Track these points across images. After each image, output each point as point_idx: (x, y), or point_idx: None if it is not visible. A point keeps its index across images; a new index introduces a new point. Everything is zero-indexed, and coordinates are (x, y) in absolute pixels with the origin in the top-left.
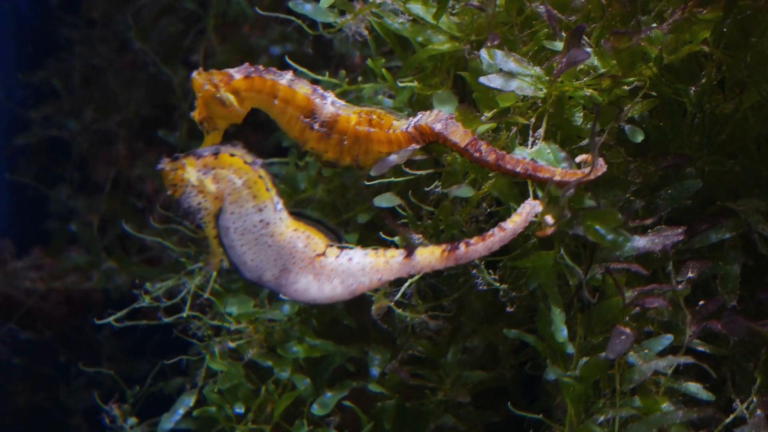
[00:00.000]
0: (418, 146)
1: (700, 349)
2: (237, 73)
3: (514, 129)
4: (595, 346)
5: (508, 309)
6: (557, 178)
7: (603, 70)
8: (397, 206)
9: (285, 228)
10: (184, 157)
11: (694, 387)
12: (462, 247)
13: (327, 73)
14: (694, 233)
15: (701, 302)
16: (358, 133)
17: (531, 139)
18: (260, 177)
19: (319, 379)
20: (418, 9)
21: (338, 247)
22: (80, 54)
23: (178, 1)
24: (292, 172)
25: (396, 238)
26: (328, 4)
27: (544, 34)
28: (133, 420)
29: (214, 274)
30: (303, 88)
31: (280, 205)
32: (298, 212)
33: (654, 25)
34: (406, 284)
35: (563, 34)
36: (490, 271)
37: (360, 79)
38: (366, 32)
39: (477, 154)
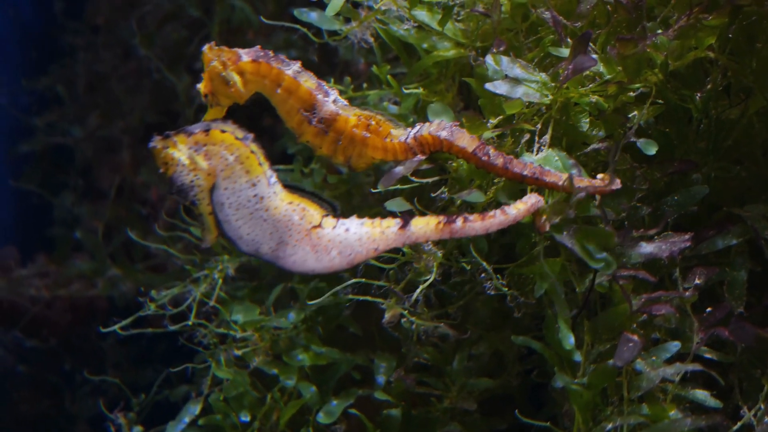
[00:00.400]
0: (423, 157)
1: (708, 356)
2: (246, 55)
3: (526, 137)
4: (603, 353)
5: (516, 315)
6: (565, 183)
7: (608, 77)
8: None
9: (279, 201)
10: (175, 135)
11: (701, 394)
12: (459, 221)
13: (332, 80)
14: (700, 239)
15: (708, 309)
16: (354, 136)
17: (537, 146)
18: (252, 152)
19: (325, 387)
20: (423, 15)
21: (334, 217)
22: (84, 60)
23: (182, 8)
24: (297, 178)
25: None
26: (333, 12)
27: (550, 40)
28: (138, 428)
29: (220, 281)
30: (308, 82)
31: (273, 179)
32: (292, 185)
33: (659, 31)
34: (418, 290)
35: (569, 40)
36: (498, 275)
37: (365, 85)
38: (371, 39)
39: (485, 158)
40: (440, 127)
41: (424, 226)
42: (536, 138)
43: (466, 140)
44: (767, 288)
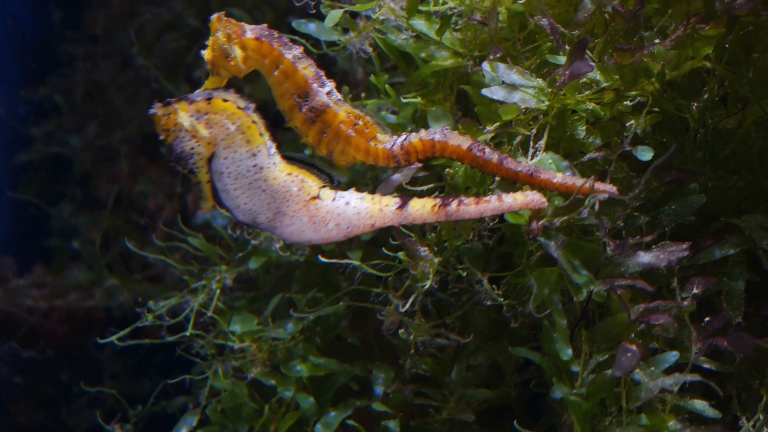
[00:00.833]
0: (419, 165)
1: (706, 366)
2: (250, 32)
3: (518, 138)
4: (601, 363)
5: (512, 324)
6: (558, 181)
7: (605, 85)
8: None
9: (279, 172)
10: (176, 102)
11: (700, 404)
12: (454, 204)
13: None
14: (698, 249)
15: (706, 319)
16: (339, 132)
17: (532, 150)
18: (253, 122)
19: (323, 398)
20: (421, 25)
21: (332, 189)
22: (82, 70)
23: (180, 17)
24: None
25: (400, 253)
26: (332, 23)
27: (547, 48)
28: None
29: (218, 292)
30: (306, 69)
31: (273, 150)
32: (291, 156)
33: (657, 40)
34: (414, 295)
35: (566, 47)
36: (494, 286)
37: (363, 95)
38: (370, 49)
39: (480, 154)
40: (430, 132)
41: (421, 207)
42: (531, 143)
43: (459, 139)
44: (765, 298)
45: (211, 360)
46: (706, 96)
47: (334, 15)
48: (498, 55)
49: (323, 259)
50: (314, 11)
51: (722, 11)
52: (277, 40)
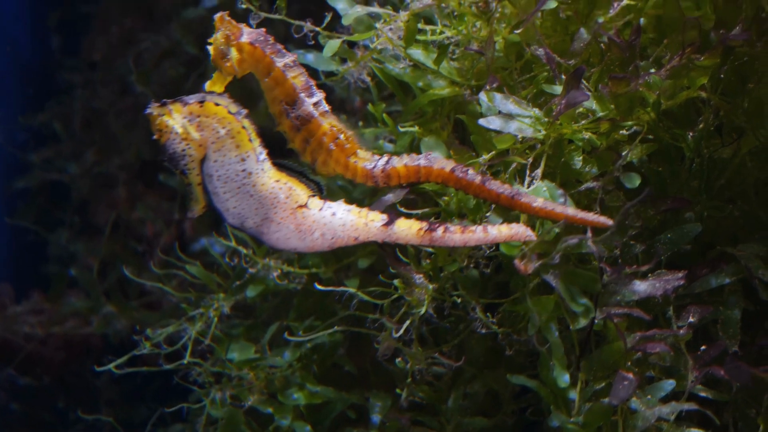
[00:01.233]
0: (406, 188)
1: (703, 394)
2: (246, 36)
3: (514, 165)
4: (598, 391)
5: (508, 352)
6: (537, 205)
7: (601, 114)
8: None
9: (267, 179)
10: (171, 104)
11: None
12: (440, 230)
13: None
14: (694, 278)
15: (703, 347)
16: (322, 143)
17: (528, 178)
18: (243, 128)
19: (320, 427)
20: (418, 54)
21: (320, 198)
22: (81, 97)
23: (179, 45)
24: None
25: (396, 281)
26: (331, 53)
27: (543, 77)
28: None
29: (215, 320)
30: (296, 78)
31: (263, 156)
32: (281, 163)
33: (652, 70)
34: (407, 322)
35: (563, 77)
36: (488, 314)
37: (361, 123)
38: (368, 78)
39: (463, 175)
40: (416, 157)
41: (407, 228)
42: (528, 171)
43: (443, 162)
44: (761, 327)
45: (208, 388)
46: (701, 125)
47: (333, 45)
48: (495, 85)
49: (320, 287)
50: (313, 42)
51: (717, 42)
52: (270, 47)
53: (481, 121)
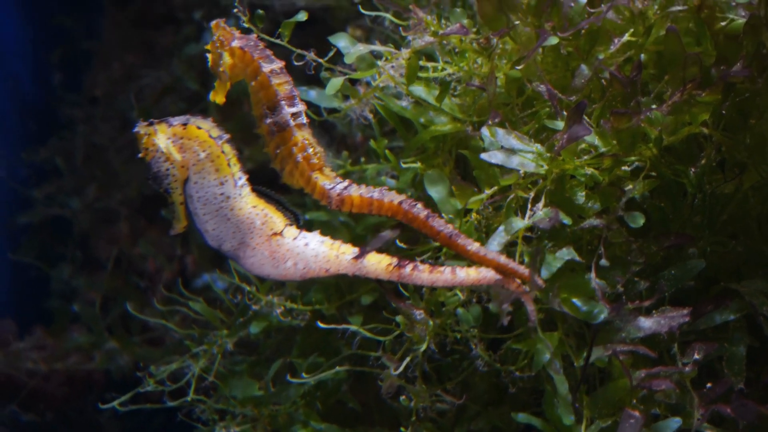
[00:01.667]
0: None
1: None
2: (237, 41)
3: (512, 196)
4: (604, 429)
5: (510, 390)
6: (472, 249)
7: (604, 150)
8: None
9: (245, 204)
10: (158, 123)
11: None
12: (408, 268)
13: (330, 154)
14: (698, 314)
15: (708, 384)
16: (291, 153)
17: (529, 212)
18: (222, 152)
19: None
20: (420, 91)
21: (297, 228)
22: (83, 132)
23: (180, 81)
24: None
25: (398, 317)
26: (333, 91)
27: (545, 113)
28: None
29: (219, 356)
30: (280, 86)
31: (242, 181)
32: (261, 190)
33: (654, 106)
34: (408, 358)
35: (564, 113)
36: (490, 352)
37: (363, 159)
38: (370, 115)
39: (410, 209)
40: (371, 190)
41: (376, 263)
42: (529, 205)
43: (394, 196)
44: (766, 363)
45: (212, 425)
46: (703, 161)
47: (335, 83)
48: (496, 120)
49: (322, 325)
50: (313, 72)
51: (718, 78)
52: (259, 52)
53: (484, 156)
